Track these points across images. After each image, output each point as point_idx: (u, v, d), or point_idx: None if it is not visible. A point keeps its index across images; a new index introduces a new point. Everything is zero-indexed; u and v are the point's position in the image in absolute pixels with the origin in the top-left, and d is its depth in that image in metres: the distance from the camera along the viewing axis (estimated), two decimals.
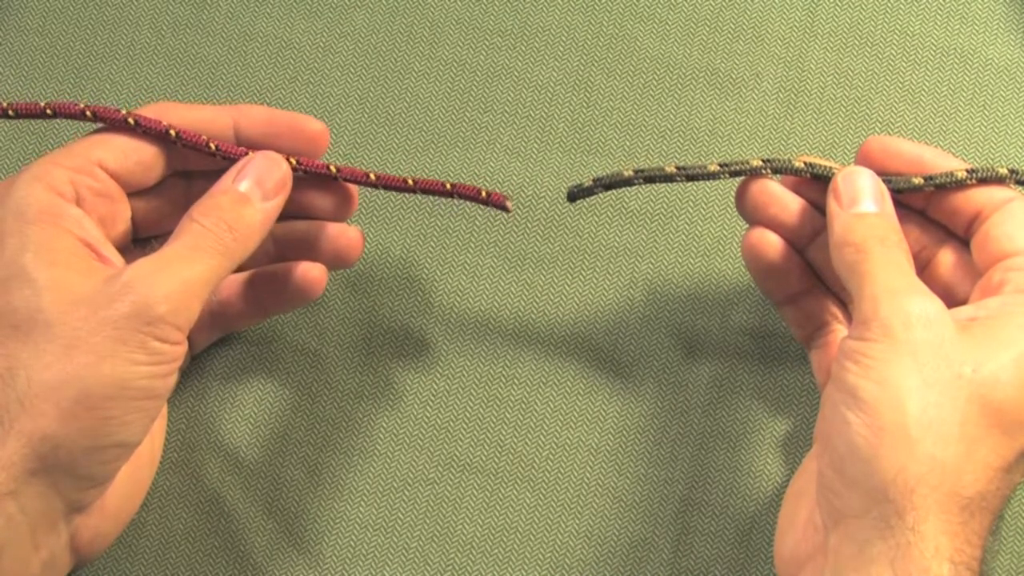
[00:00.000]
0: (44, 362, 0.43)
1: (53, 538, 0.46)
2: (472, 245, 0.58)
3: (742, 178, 0.53)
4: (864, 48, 0.59)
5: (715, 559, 0.55)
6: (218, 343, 0.57)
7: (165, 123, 0.49)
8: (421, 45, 0.60)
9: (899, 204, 0.51)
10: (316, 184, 0.52)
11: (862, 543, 0.43)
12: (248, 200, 0.48)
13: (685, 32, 0.60)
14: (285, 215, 0.52)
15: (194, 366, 0.56)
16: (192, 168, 0.51)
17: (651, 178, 0.52)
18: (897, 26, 0.60)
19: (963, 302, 0.49)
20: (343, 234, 0.53)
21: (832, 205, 0.49)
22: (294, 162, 0.51)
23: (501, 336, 0.57)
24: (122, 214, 0.50)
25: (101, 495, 0.47)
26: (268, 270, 0.54)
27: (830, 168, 0.51)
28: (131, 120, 0.49)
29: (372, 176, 0.52)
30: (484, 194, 0.51)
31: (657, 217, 0.58)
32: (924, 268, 0.51)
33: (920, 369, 0.44)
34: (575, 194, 0.52)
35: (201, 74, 0.60)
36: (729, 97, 0.59)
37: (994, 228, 0.49)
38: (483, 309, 0.58)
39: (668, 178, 0.52)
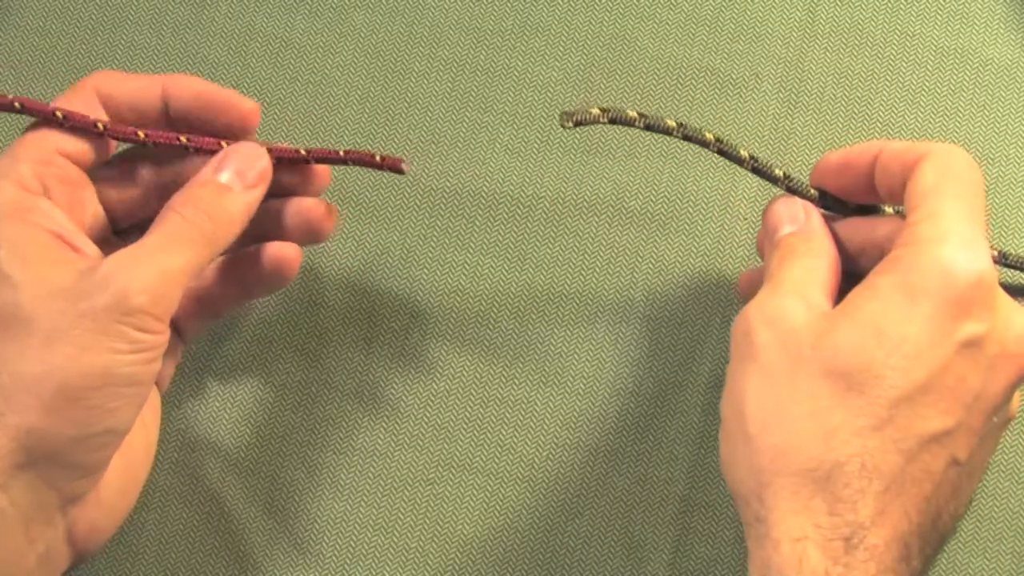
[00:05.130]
0: (26, 356, 0.44)
1: (49, 531, 0.46)
2: (472, 246, 0.58)
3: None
4: (864, 48, 0.59)
5: (714, 560, 0.55)
6: (217, 343, 0.57)
7: (92, 118, 0.49)
8: (421, 45, 0.60)
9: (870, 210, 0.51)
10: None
11: (749, 543, 0.45)
12: (229, 190, 0.48)
13: (685, 32, 0.60)
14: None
15: (194, 366, 0.56)
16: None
17: (652, 126, 0.51)
18: (897, 26, 0.60)
19: None
20: (314, 207, 0.52)
21: (761, 240, 0.51)
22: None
23: (501, 336, 0.57)
24: (89, 198, 0.50)
25: (94, 485, 0.47)
26: (242, 254, 0.53)
27: (808, 188, 0.51)
28: (59, 114, 0.48)
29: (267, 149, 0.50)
30: (378, 158, 0.50)
31: (657, 218, 0.58)
32: None
33: (760, 369, 0.45)
34: (575, 119, 0.51)
35: (201, 74, 0.59)
36: (729, 97, 0.59)
37: (907, 192, 0.47)
38: (483, 309, 0.58)
39: (667, 131, 0.51)
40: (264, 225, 0.52)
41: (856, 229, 0.50)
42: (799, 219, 0.49)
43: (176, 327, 0.52)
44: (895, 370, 0.43)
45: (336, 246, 0.58)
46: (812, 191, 0.51)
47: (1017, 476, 0.55)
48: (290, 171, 0.52)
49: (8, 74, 0.60)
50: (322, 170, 0.52)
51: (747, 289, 0.53)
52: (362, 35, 0.60)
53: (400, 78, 0.60)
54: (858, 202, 0.51)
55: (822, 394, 0.43)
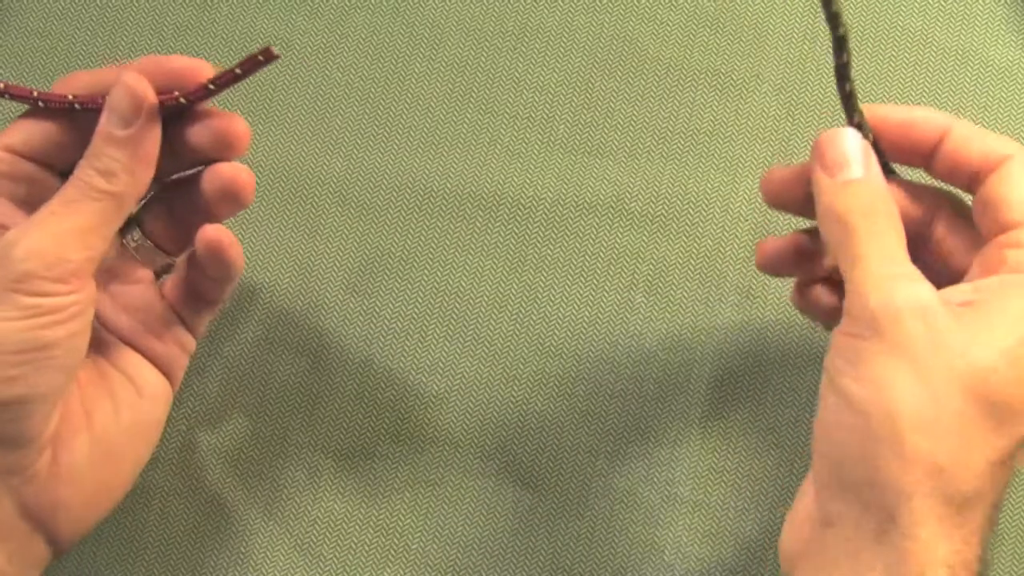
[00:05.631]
0: None
1: None
2: (472, 247, 0.58)
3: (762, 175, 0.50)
4: (864, 48, 0.59)
5: (715, 560, 0.55)
6: (217, 343, 0.57)
7: (34, 91, 0.48)
8: (422, 46, 0.60)
9: (889, 171, 0.49)
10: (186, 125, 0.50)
11: (857, 547, 0.42)
12: (110, 134, 0.47)
13: (686, 33, 0.60)
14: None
15: (194, 366, 0.56)
16: None
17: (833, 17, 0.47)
18: (897, 26, 0.60)
19: (963, 273, 0.47)
20: (233, 171, 0.50)
21: (817, 172, 0.47)
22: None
23: (501, 337, 0.57)
24: (53, 190, 0.49)
25: (35, 458, 0.47)
26: (190, 257, 0.52)
27: (868, 130, 0.48)
28: (1, 86, 0.49)
29: (177, 93, 0.48)
30: (259, 57, 0.47)
31: (657, 219, 0.58)
32: (925, 237, 0.49)
33: (912, 366, 0.42)
34: None
35: None
36: (730, 98, 0.59)
37: (991, 192, 0.46)
38: (483, 311, 0.58)
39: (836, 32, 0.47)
40: (193, 199, 0.51)
41: (896, 193, 0.48)
42: (864, 164, 0.47)
43: (179, 317, 0.52)
44: None
45: (336, 246, 0.58)
46: (871, 134, 0.48)
47: (1017, 476, 0.55)
48: (205, 131, 0.49)
49: (8, 74, 0.60)
50: (229, 127, 0.49)
51: (767, 259, 0.51)
52: (362, 36, 0.60)
53: (400, 79, 0.60)
54: (892, 161, 0.49)
55: (969, 416, 0.42)
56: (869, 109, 0.48)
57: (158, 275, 0.53)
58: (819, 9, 0.60)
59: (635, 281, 0.58)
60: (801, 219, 0.51)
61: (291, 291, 0.58)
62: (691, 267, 0.58)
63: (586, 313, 0.58)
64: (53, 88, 0.49)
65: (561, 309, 0.58)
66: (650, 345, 0.57)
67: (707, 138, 0.59)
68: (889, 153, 0.49)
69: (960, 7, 0.60)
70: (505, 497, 0.56)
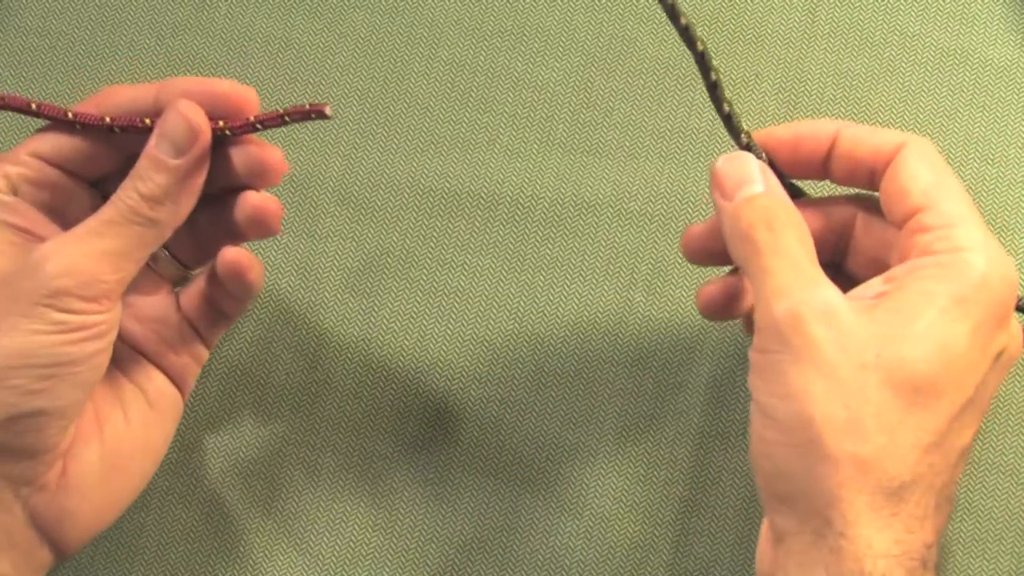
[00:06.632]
0: None
1: (7, 517, 0.46)
2: (472, 246, 0.58)
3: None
4: (864, 48, 0.59)
5: (715, 560, 0.55)
6: (218, 344, 0.56)
7: (70, 112, 0.48)
8: (421, 45, 0.60)
9: (797, 192, 0.49)
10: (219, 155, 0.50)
11: (802, 558, 0.42)
12: (160, 161, 0.47)
13: None
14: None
15: None
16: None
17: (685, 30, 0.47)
18: (897, 26, 0.60)
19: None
20: (261, 200, 0.50)
21: (719, 200, 0.47)
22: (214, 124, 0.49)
23: (501, 336, 0.57)
24: (78, 199, 0.50)
25: (48, 469, 0.47)
26: (210, 273, 0.52)
27: (761, 152, 0.48)
28: (34, 106, 0.49)
29: (222, 124, 0.49)
30: (307, 107, 0.48)
31: (656, 218, 0.58)
32: (845, 247, 0.50)
33: (822, 371, 0.42)
34: None
35: (201, 75, 0.60)
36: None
37: (890, 184, 0.46)
38: (482, 310, 0.58)
39: (682, 32, 0.47)
40: (217, 217, 0.51)
41: (806, 212, 0.48)
42: (762, 180, 0.47)
43: (194, 329, 0.53)
44: (954, 386, 0.42)
45: (336, 246, 0.58)
46: (764, 155, 0.48)
47: (1017, 476, 0.55)
48: (242, 158, 0.50)
49: (8, 74, 0.60)
50: (267, 158, 0.50)
51: (707, 307, 0.51)
52: (362, 36, 0.60)
53: (400, 79, 0.60)
54: (791, 178, 0.49)
55: (891, 407, 0.42)
56: (756, 133, 0.48)
57: (173, 285, 0.53)
58: (817, 9, 0.60)
59: (634, 280, 0.58)
60: None
61: (291, 291, 0.58)
62: (690, 266, 0.57)
63: (585, 312, 0.58)
64: (90, 101, 0.49)
65: (560, 308, 0.58)
66: (649, 344, 0.57)
67: (706, 137, 0.59)
68: (786, 169, 0.49)
69: (959, 7, 0.60)
70: (505, 497, 0.56)
